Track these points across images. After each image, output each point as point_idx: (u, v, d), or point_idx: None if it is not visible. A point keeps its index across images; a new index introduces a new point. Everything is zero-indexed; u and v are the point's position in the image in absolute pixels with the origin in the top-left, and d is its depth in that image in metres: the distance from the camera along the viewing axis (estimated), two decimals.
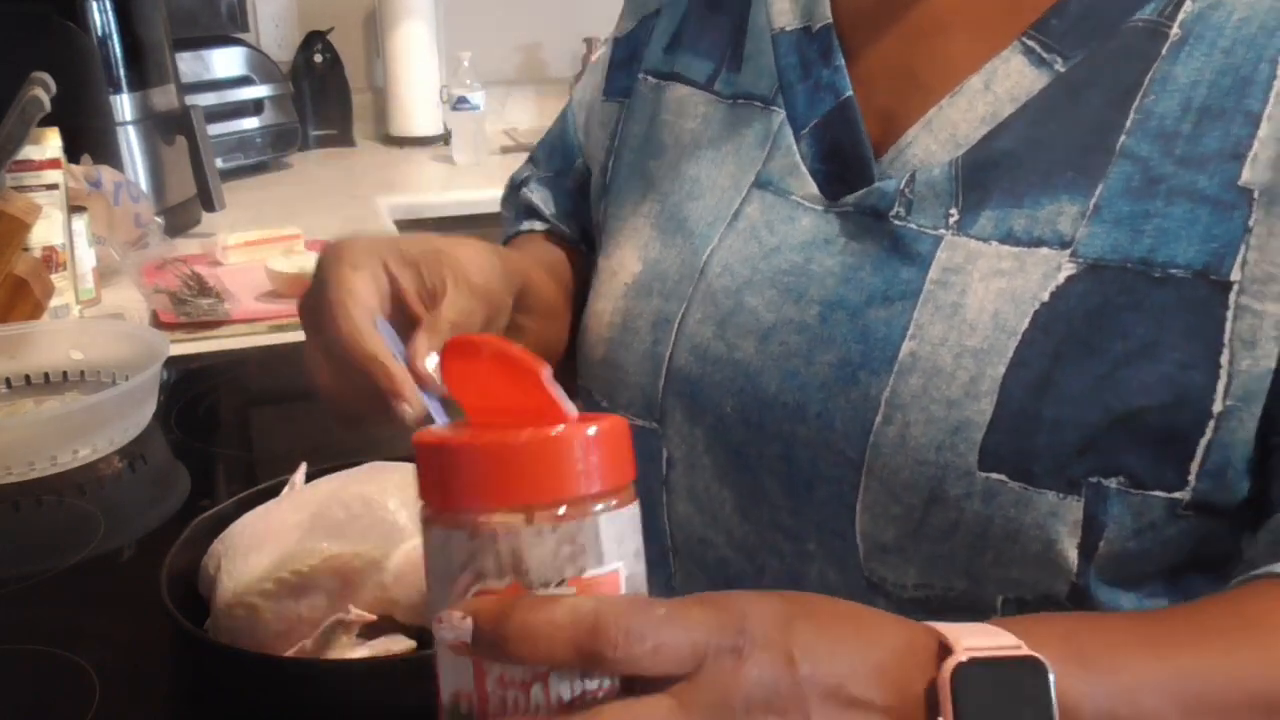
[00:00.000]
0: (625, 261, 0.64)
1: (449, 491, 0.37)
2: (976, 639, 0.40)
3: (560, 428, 0.36)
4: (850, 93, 0.58)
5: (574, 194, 0.76)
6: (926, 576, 0.53)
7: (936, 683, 0.39)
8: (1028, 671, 0.40)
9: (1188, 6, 0.51)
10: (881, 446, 0.52)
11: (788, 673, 0.36)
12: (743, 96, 0.63)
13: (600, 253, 0.69)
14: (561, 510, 0.35)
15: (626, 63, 0.71)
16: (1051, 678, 0.39)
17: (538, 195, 0.78)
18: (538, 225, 0.78)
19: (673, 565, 0.64)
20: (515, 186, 0.83)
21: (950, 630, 0.40)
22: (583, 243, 0.78)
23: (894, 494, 0.52)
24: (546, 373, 0.37)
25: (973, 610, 0.53)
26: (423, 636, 0.69)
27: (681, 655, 0.35)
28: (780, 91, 0.61)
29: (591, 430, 0.36)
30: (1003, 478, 0.50)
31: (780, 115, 0.60)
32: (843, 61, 0.59)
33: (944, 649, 0.40)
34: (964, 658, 0.39)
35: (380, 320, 0.50)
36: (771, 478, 0.56)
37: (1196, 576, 0.53)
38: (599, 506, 0.36)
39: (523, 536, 0.35)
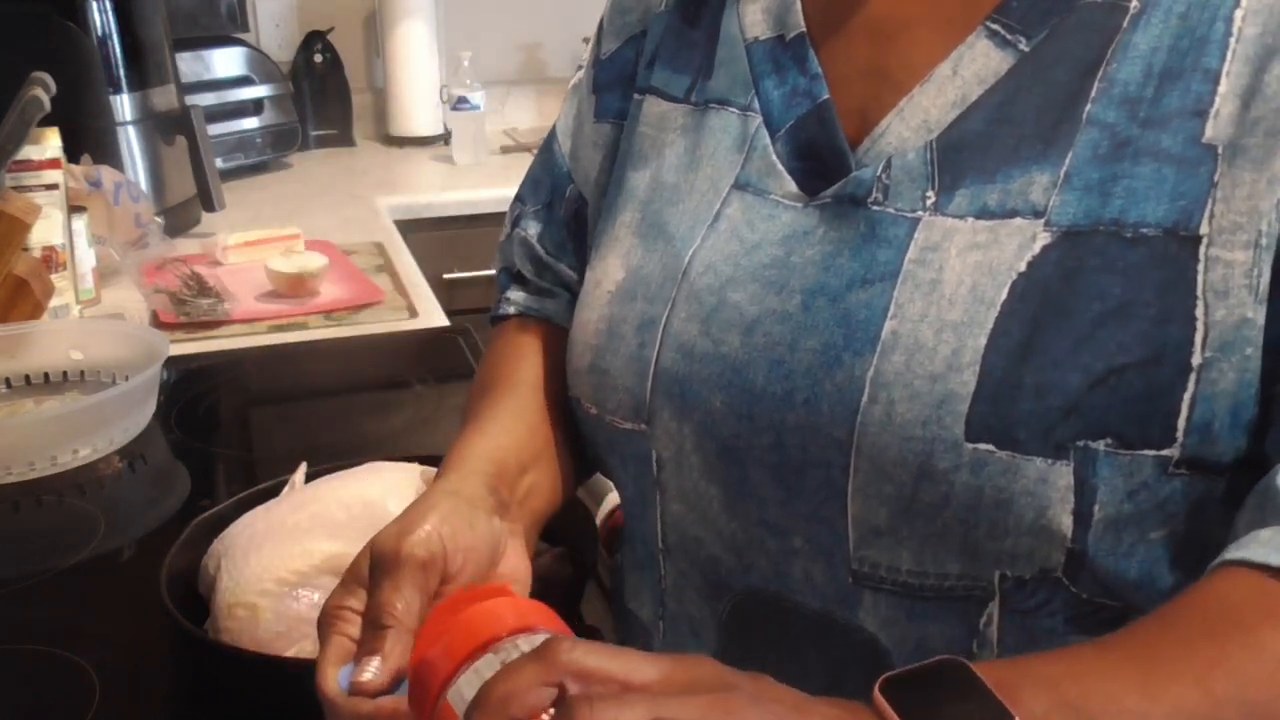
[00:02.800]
0: (609, 270, 0.65)
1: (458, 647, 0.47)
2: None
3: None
4: (827, 96, 0.59)
5: (567, 222, 0.76)
6: (920, 560, 0.53)
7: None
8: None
9: None
10: (869, 425, 0.53)
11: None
12: (716, 102, 0.64)
13: (587, 267, 0.69)
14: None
15: (617, 84, 0.72)
16: None
17: (531, 230, 0.78)
18: (511, 309, 0.79)
19: (663, 568, 0.64)
20: (510, 229, 0.82)
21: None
22: (563, 298, 0.78)
23: (884, 472, 0.53)
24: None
25: (969, 598, 0.53)
26: None
27: None
28: (756, 97, 0.62)
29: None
30: (990, 447, 0.50)
31: (756, 119, 0.62)
32: (820, 70, 0.60)
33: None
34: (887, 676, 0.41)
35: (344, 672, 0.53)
36: (760, 470, 0.57)
37: (1196, 541, 0.53)
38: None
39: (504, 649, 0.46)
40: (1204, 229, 0.49)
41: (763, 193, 0.60)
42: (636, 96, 0.69)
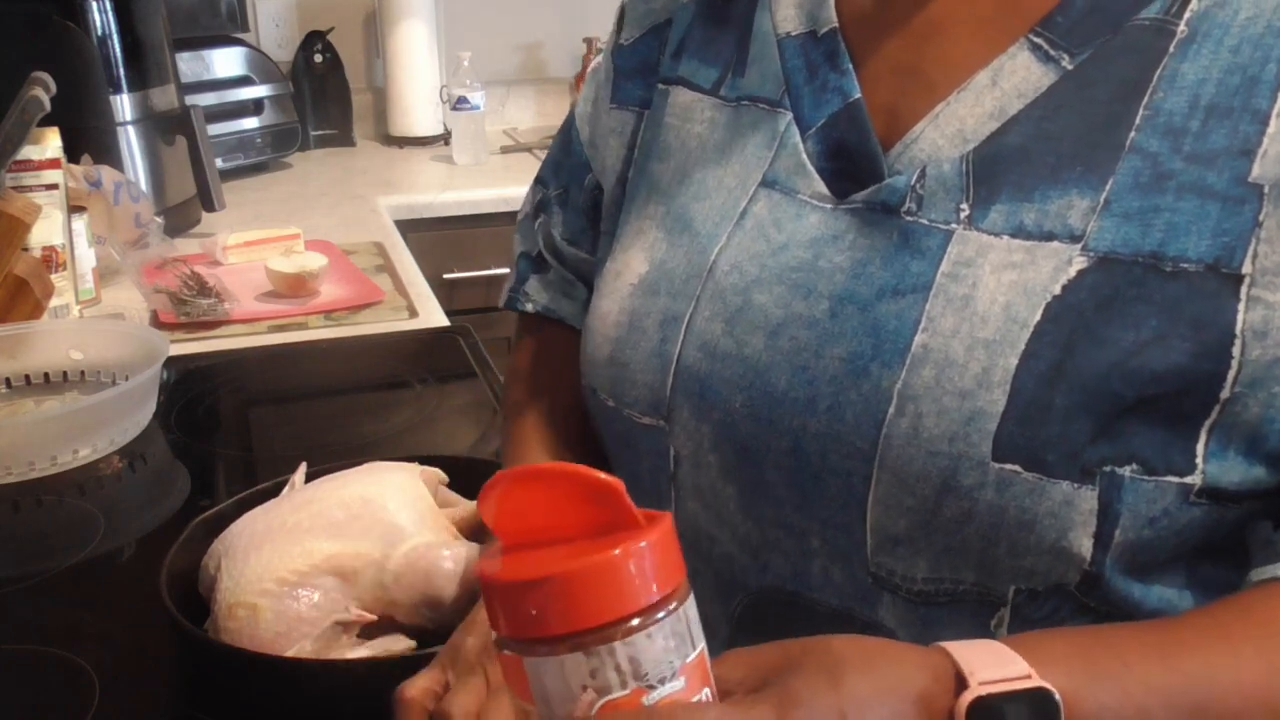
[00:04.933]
0: (631, 262, 0.65)
1: (553, 619, 0.37)
2: (989, 669, 0.42)
3: (649, 537, 0.38)
4: (858, 95, 0.58)
5: (585, 210, 0.76)
6: (937, 569, 0.53)
7: (953, 716, 0.42)
8: (1038, 703, 0.42)
9: (1194, 5, 0.51)
10: (894, 438, 0.52)
11: None
12: (748, 99, 0.63)
13: (608, 255, 0.69)
14: (662, 611, 0.37)
15: (639, 72, 0.71)
16: (1061, 707, 0.42)
17: (555, 216, 0.78)
18: (529, 306, 0.79)
19: None
20: (534, 212, 0.82)
21: (964, 657, 0.43)
22: (581, 293, 0.78)
23: (906, 485, 0.52)
24: (622, 487, 0.39)
25: (982, 602, 0.53)
26: (423, 637, 0.69)
27: None
28: (786, 94, 0.61)
29: (666, 527, 0.38)
30: (1016, 468, 0.50)
31: (787, 117, 0.61)
32: (850, 65, 0.59)
33: (960, 681, 0.43)
34: (979, 693, 0.42)
35: None
36: (778, 473, 0.57)
37: (1210, 566, 0.54)
38: (683, 594, 0.38)
39: (638, 643, 0.37)
40: (1246, 268, 0.49)
41: (791, 191, 0.59)
42: (661, 86, 0.69)
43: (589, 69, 0.78)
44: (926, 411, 0.51)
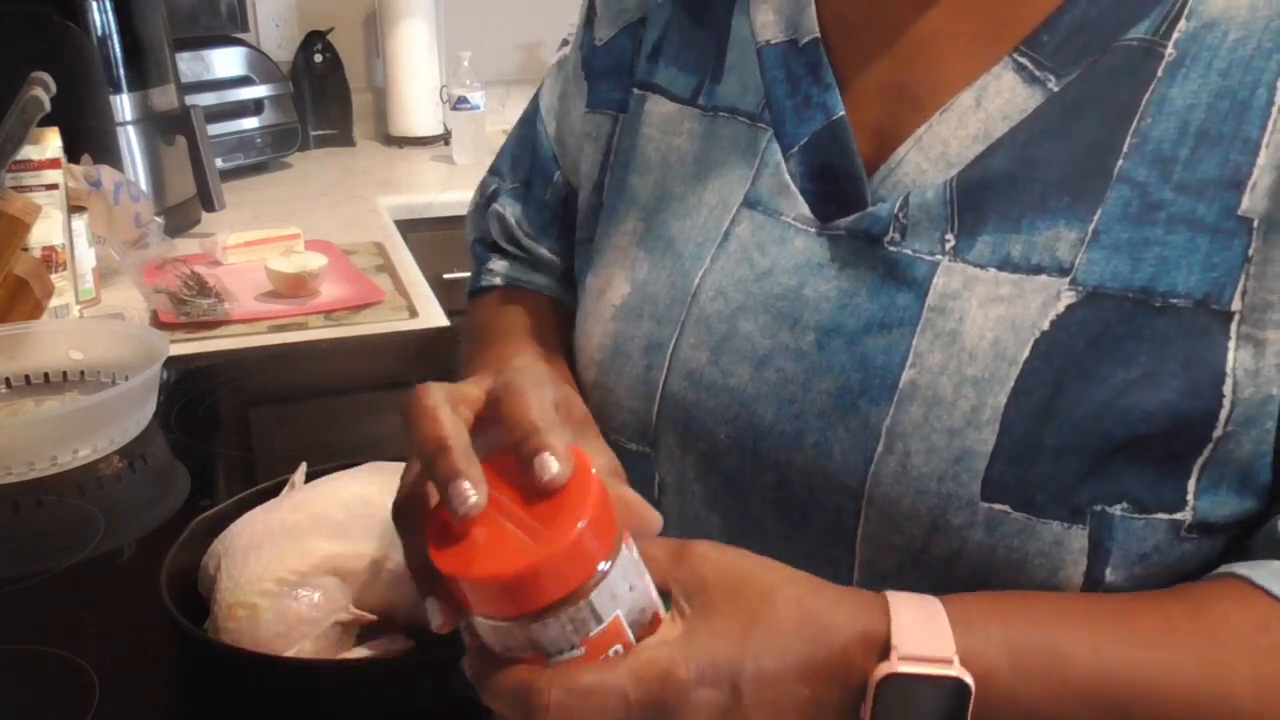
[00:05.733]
0: (612, 281, 0.63)
1: (491, 605, 0.42)
2: (917, 643, 0.44)
3: (563, 540, 0.41)
4: (842, 112, 0.57)
5: (552, 206, 0.74)
6: None
7: (867, 682, 0.43)
8: (950, 692, 0.43)
9: (1182, 26, 0.50)
10: (882, 476, 0.51)
11: (733, 683, 0.43)
12: (726, 109, 0.62)
13: (589, 269, 0.68)
14: (562, 608, 0.41)
15: (614, 73, 0.69)
16: (971, 698, 0.43)
17: (510, 209, 0.76)
18: (497, 280, 0.76)
19: None
20: (485, 203, 0.81)
21: (899, 622, 0.44)
22: (548, 273, 0.77)
23: (895, 523, 0.52)
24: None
25: None
26: (423, 636, 0.69)
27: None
28: (767, 107, 0.60)
29: (581, 524, 0.41)
30: (1005, 508, 0.49)
31: (767, 133, 0.59)
32: (833, 79, 0.58)
33: (885, 648, 0.44)
34: (896, 670, 0.43)
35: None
36: (764, 505, 0.56)
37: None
38: (591, 583, 0.41)
39: (532, 630, 0.42)
40: (1235, 305, 0.48)
41: (774, 213, 0.58)
42: (637, 92, 0.67)
43: (555, 61, 0.77)
44: (915, 450, 0.51)
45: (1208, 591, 0.48)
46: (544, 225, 0.75)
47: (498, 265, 0.77)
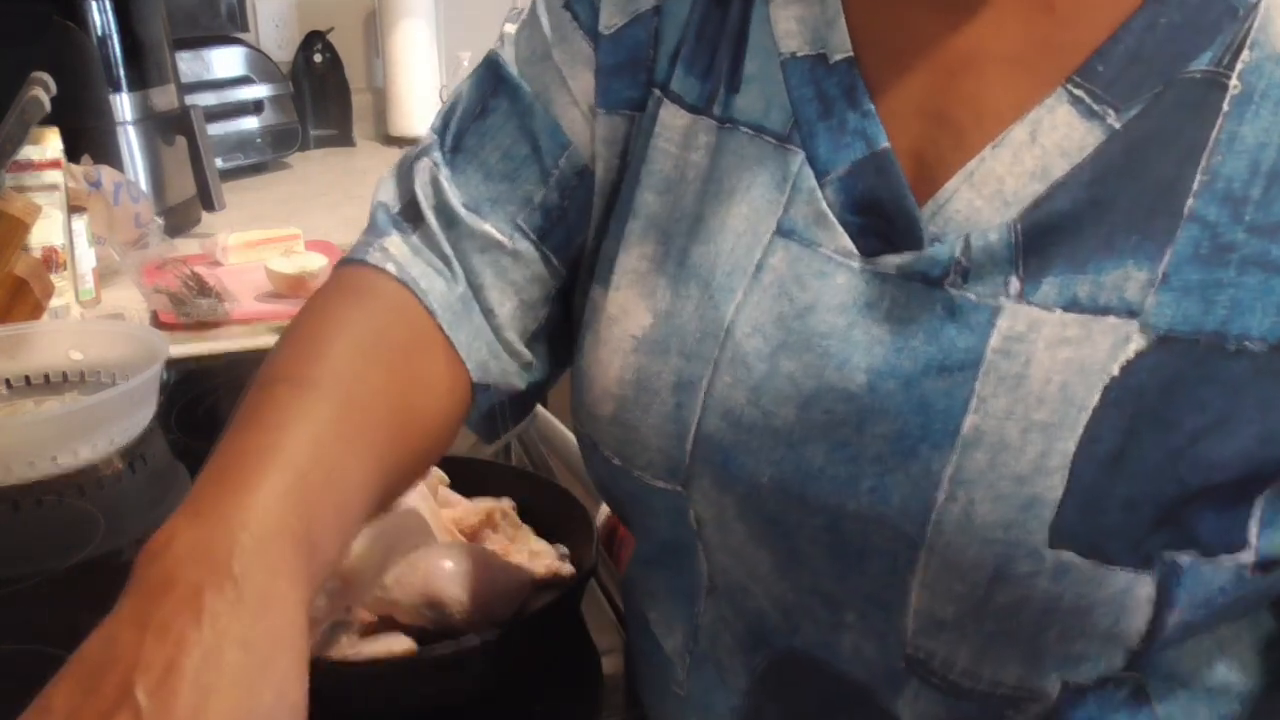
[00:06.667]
0: (628, 308, 0.59)
1: None
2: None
3: None
4: (886, 144, 0.53)
5: (559, 188, 0.64)
6: (979, 658, 0.51)
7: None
8: None
9: (1245, 57, 0.48)
10: (944, 524, 0.49)
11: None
12: (748, 125, 0.57)
13: (595, 282, 0.63)
14: None
15: (627, 69, 0.63)
16: None
17: (450, 174, 0.64)
18: (390, 266, 0.62)
19: (703, 604, 0.61)
20: (415, 157, 0.67)
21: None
22: (459, 270, 0.65)
23: (957, 572, 0.49)
24: None
25: (1016, 702, 0.52)
26: (423, 637, 0.69)
27: None
28: (795, 128, 0.56)
29: None
30: (1074, 556, 0.48)
31: (799, 156, 0.55)
32: (872, 106, 0.54)
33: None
34: None
35: None
36: (813, 547, 0.54)
37: (1247, 634, 0.53)
38: None
39: None
40: None
41: (811, 244, 0.54)
42: (656, 93, 0.62)
43: (521, 18, 0.67)
44: (980, 498, 0.48)
45: None
46: (495, 198, 0.64)
47: (396, 248, 0.63)
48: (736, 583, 0.58)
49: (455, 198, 0.64)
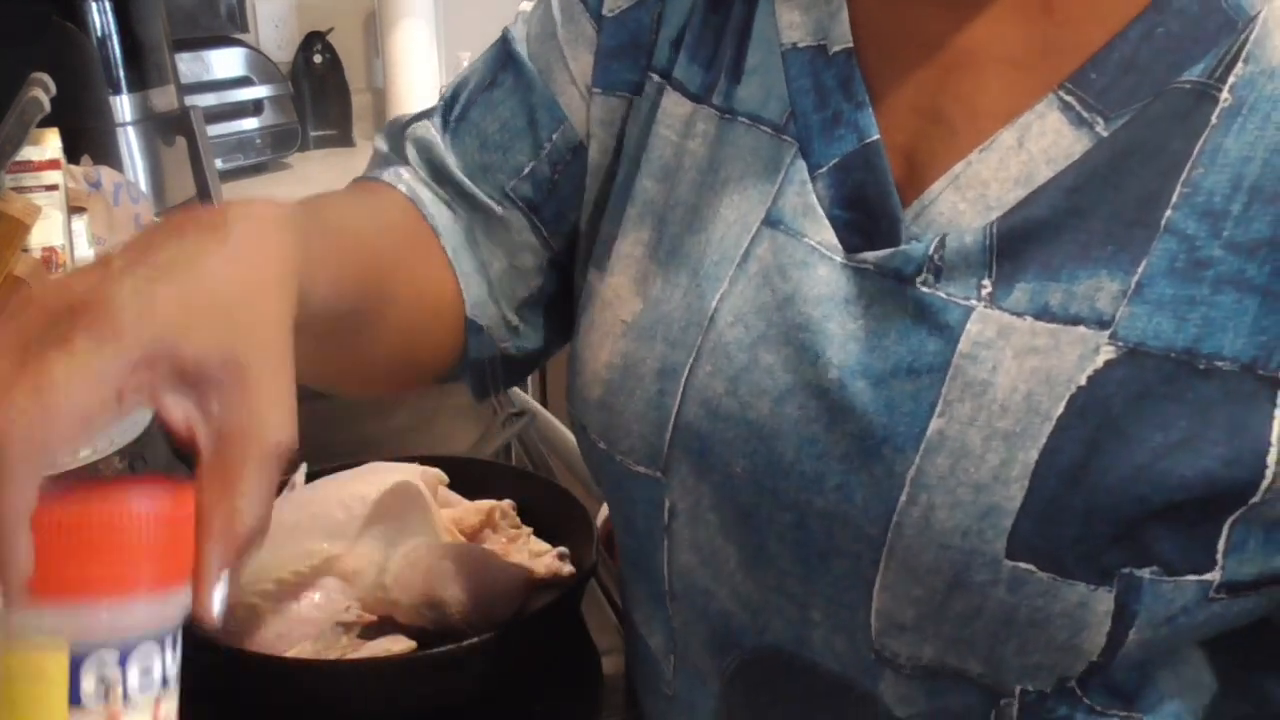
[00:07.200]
0: (621, 293, 0.60)
1: None
2: None
3: None
4: (876, 136, 0.53)
5: (553, 163, 0.65)
6: (942, 656, 0.51)
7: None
8: None
9: (1239, 70, 0.47)
10: (905, 527, 0.49)
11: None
12: (746, 115, 0.58)
13: (593, 265, 0.63)
14: None
15: (627, 51, 0.63)
16: None
17: (445, 140, 0.65)
18: (402, 187, 0.65)
19: (670, 609, 0.61)
20: (412, 119, 0.69)
21: None
22: (463, 212, 0.67)
23: (915, 575, 0.50)
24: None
25: (985, 688, 0.52)
26: (423, 637, 0.69)
27: None
28: (792, 119, 0.56)
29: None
30: (1031, 567, 0.47)
31: (793, 147, 0.55)
32: (866, 97, 0.54)
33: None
34: None
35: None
36: (781, 544, 0.54)
37: (1212, 654, 0.52)
38: None
39: None
40: None
41: (796, 234, 0.54)
42: (656, 78, 0.62)
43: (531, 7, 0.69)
44: (940, 503, 0.48)
45: None
46: (488, 165, 0.66)
47: (409, 175, 0.66)
48: (698, 586, 0.58)
49: (451, 162, 0.66)
